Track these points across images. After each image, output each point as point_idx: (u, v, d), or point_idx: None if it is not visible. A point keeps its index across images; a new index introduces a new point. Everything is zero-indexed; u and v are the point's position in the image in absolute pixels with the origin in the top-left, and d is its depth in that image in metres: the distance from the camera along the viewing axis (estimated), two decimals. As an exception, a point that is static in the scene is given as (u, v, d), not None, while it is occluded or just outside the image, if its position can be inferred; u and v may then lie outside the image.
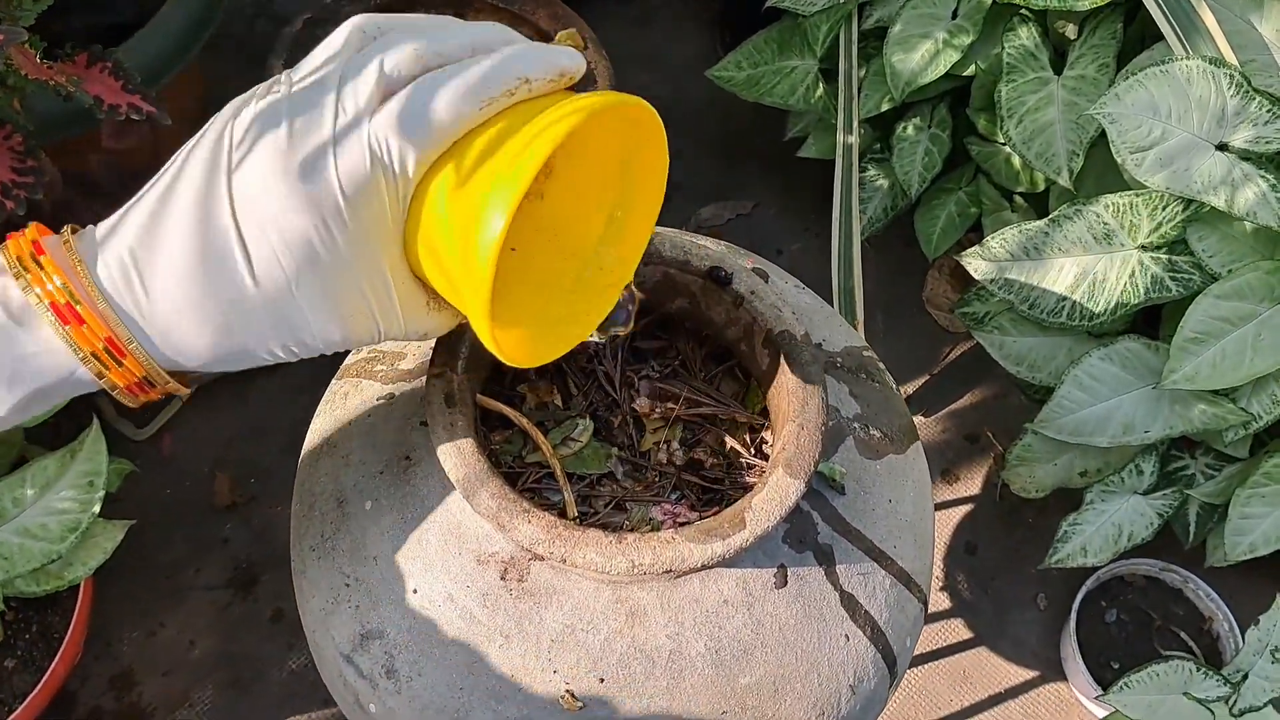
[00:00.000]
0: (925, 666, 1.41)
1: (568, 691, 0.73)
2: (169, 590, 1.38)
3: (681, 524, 0.77)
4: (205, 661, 1.34)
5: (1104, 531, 1.31)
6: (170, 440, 1.47)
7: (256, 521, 1.43)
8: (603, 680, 0.73)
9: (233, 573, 1.39)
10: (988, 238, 1.24)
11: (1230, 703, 1.20)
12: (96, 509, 1.13)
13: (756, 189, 1.78)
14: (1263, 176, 1.10)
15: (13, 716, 1.18)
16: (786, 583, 0.76)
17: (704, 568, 0.72)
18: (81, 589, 1.23)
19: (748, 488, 0.84)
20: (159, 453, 1.46)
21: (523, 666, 0.73)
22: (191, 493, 1.44)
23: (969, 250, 1.26)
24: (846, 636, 0.78)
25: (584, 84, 1.51)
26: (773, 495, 0.72)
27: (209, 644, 1.35)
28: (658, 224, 0.89)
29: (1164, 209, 1.16)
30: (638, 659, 0.73)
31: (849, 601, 0.78)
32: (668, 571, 0.70)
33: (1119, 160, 1.14)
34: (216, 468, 1.46)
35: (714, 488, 0.85)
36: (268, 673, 1.34)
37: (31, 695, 1.19)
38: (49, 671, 1.20)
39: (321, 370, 1.53)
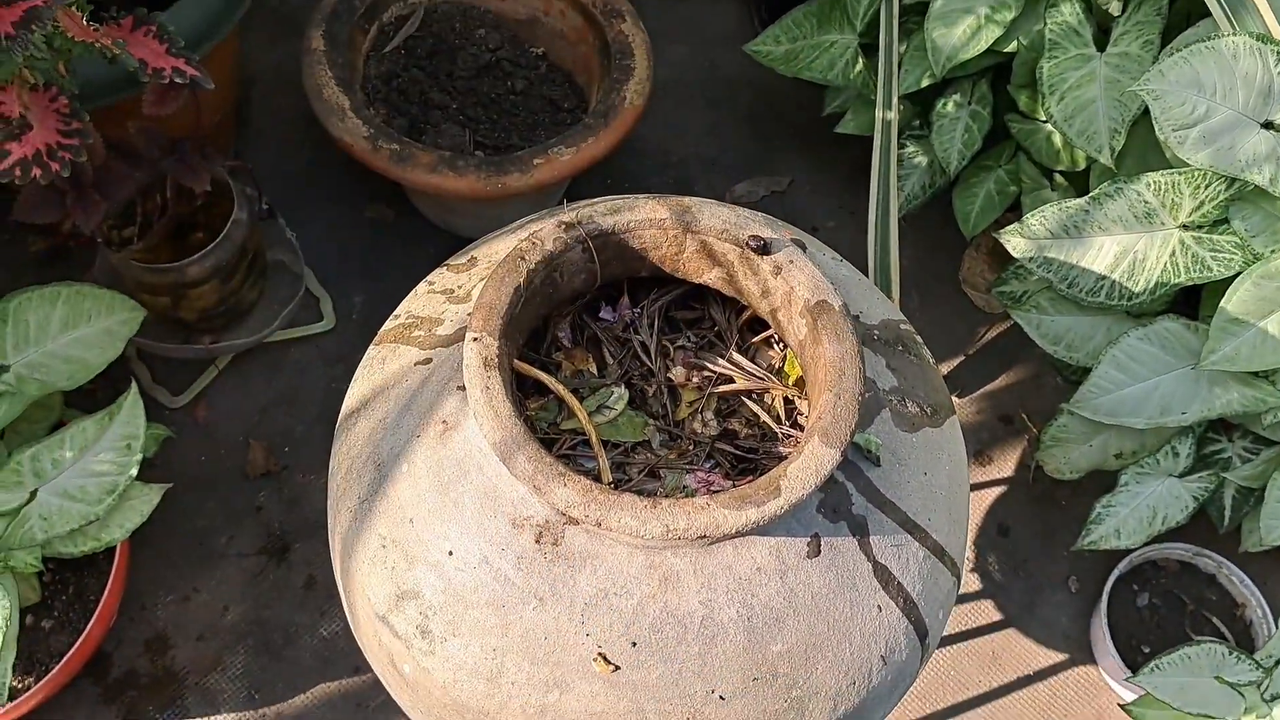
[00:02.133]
0: (955, 647, 1.40)
1: (600, 654, 0.73)
2: (203, 556, 1.39)
3: (715, 492, 0.77)
4: (238, 627, 1.35)
5: (1138, 514, 1.30)
6: (205, 409, 1.48)
7: (289, 490, 1.44)
8: (635, 644, 0.73)
9: (266, 540, 1.40)
10: (1027, 215, 1.23)
11: (1262, 688, 1.19)
12: (134, 472, 1.14)
13: (792, 165, 1.77)
14: (1309, 155, 1.09)
15: (49, 675, 1.19)
16: (820, 552, 0.76)
17: (738, 534, 0.72)
18: (118, 552, 1.24)
19: (782, 458, 0.84)
20: (194, 421, 1.47)
21: (556, 629, 0.74)
22: (226, 461, 1.45)
23: (1008, 228, 1.25)
24: (879, 607, 0.78)
25: (620, 55, 1.50)
26: (808, 464, 0.72)
27: (242, 610, 1.36)
28: (694, 194, 0.88)
29: (1207, 187, 1.15)
30: (670, 624, 0.74)
31: (882, 573, 0.78)
32: (702, 537, 0.70)
33: (1162, 138, 1.13)
34: (250, 436, 1.47)
35: (748, 457, 0.85)
36: (299, 639, 1.35)
37: (68, 655, 1.20)
38: (85, 633, 1.21)
39: (355, 341, 1.54)
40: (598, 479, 0.79)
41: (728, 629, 0.74)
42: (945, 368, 1.60)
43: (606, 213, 0.82)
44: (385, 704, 1.31)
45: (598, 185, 1.68)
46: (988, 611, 1.43)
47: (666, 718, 0.74)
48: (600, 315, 0.92)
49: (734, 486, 0.75)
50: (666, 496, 0.77)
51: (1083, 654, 1.41)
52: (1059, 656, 1.41)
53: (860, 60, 1.50)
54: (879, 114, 1.39)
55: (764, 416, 0.86)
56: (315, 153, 1.70)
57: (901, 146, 1.55)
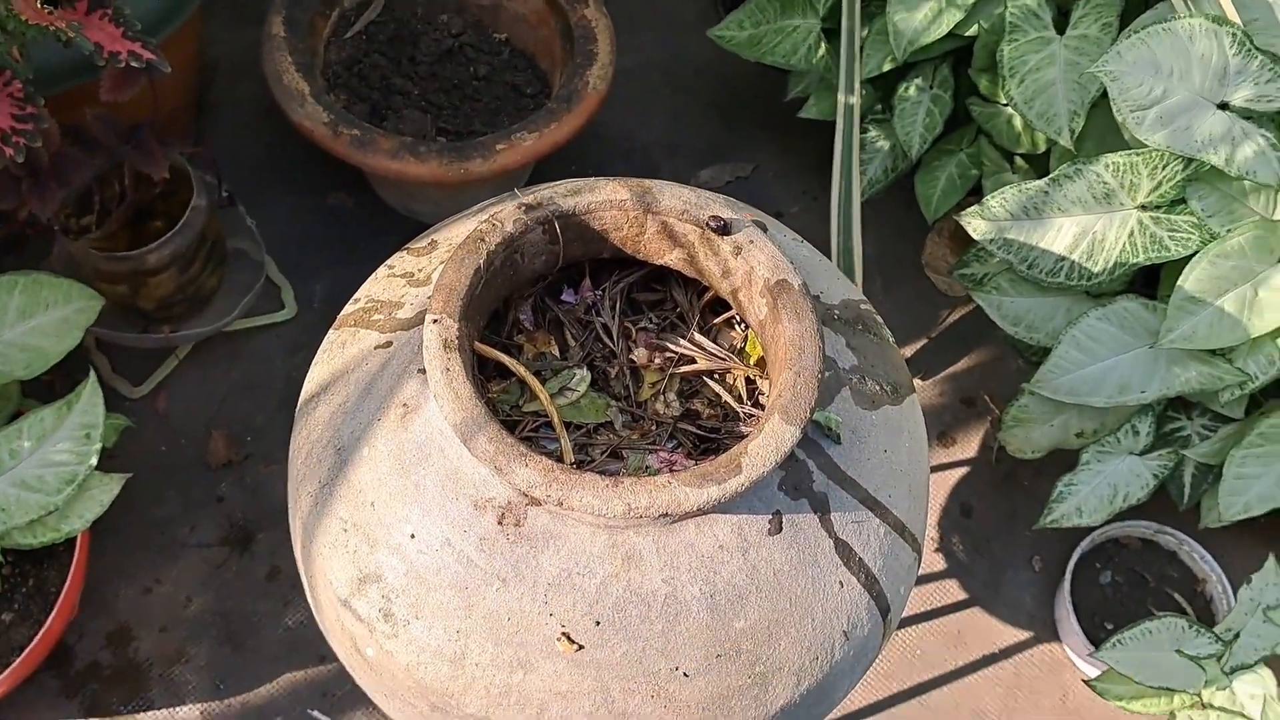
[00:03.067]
0: (919, 627, 1.41)
1: (564, 634, 0.73)
2: (164, 548, 1.38)
3: (677, 471, 0.77)
4: (201, 618, 1.34)
5: (1099, 492, 1.32)
6: (165, 399, 1.46)
7: (251, 479, 1.43)
8: (599, 623, 0.73)
9: (228, 530, 1.39)
10: (987, 197, 1.24)
11: (1222, 660, 1.20)
12: (93, 461, 1.13)
13: (756, 151, 1.77)
14: (1263, 134, 1.10)
15: (10, 669, 1.18)
16: (781, 529, 0.76)
17: (700, 512, 0.72)
18: (78, 544, 1.23)
19: (744, 438, 0.84)
20: (154, 411, 1.46)
21: (519, 610, 0.74)
22: (187, 451, 1.44)
23: (968, 210, 1.25)
24: (841, 583, 0.78)
25: (584, 40, 1.50)
26: (768, 441, 0.72)
27: (204, 601, 1.35)
28: (657, 177, 0.88)
29: (1164, 168, 1.16)
30: (633, 603, 0.74)
31: (843, 549, 0.78)
32: (664, 515, 0.70)
33: (1120, 119, 1.14)
34: (211, 426, 1.45)
35: (711, 437, 0.85)
36: (263, 629, 1.34)
37: (29, 648, 1.19)
38: (46, 625, 1.20)
39: (317, 329, 1.53)
40: (560, 460, 0.78)
41: (690, 606, 0.74)
42: (908, 351, 1.61)
43: (567, 194, 0.82)
44: (351, 692, 1.30)
45: (561, 171, 1.68)
46: (952, 591, 1.44)
47: (631, 696, 0.74)
48: (562, 298, 0.92)
49: (696, 465, 0.75)
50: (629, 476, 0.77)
51: (1047, 632, 1.43)
52: (1023, 635, 1.42)
53: (823, 45, 1.50)
54: (841, 99, 1.39)
55: (726, 397, 0.86)
56: (276, 140, 1.68)
57: (864, 131, 1.56)
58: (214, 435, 1.44)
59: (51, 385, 1.41)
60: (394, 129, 1.52)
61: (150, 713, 1.28)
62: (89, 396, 1.14)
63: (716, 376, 0.88)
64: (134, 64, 0.97)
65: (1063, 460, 1.39)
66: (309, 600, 0.87)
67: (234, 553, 1.38)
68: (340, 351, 0.87)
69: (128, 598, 1.34)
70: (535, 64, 1.64)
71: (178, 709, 1.29)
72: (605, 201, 0.82)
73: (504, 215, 0.80)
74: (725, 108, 1.82)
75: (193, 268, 1.37)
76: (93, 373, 1.18)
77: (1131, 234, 1.20)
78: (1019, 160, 1.49)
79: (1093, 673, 1.36)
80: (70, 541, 1.23)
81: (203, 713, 1.29)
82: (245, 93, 1.73)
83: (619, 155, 1.74)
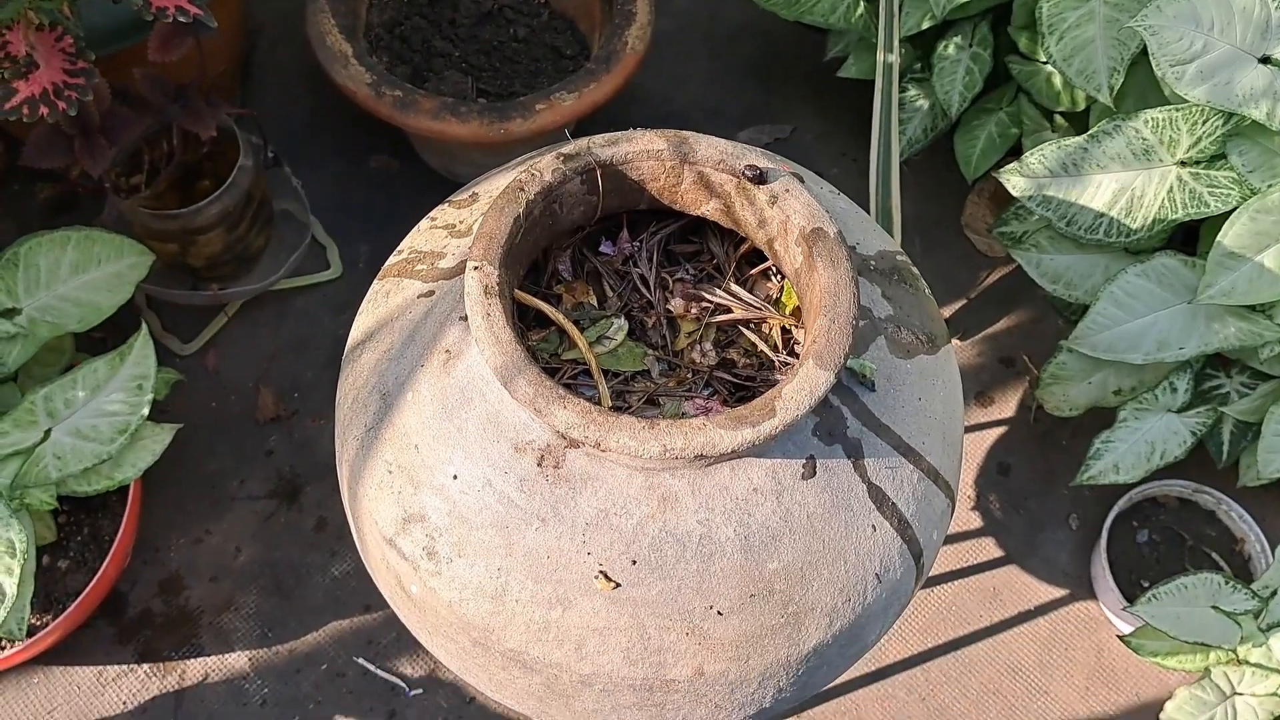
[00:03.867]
0: (956, 583, 1.42)
1: (601, 572, 0.75)
2: (215, 500, 1.41)
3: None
4: (250, 568, 1.38)
5: (1136, 449, 1.32)
6: (215, 356, 1.50)
7: (299, 434, 1.46)
8: (635, 562, 0.75)
9: (276, 484, 1.43)
10: (1026, 154, 1.24)
11: (1259, 618, 1.21)
12: (145, 411, 1.16)
13: (795, 113, 1.77)
14: (1305, 88, 1.09)
15: (66, 613, 1.22)
16: (815, 474, 0.78)
17: (734, 454, 0.74)
18: (130, 493, 1.27)
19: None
20: (204, 368, 1.49)
21: (558, 549, 0.76)
22: (236, 407, 1.48)
23: (1007, 167, 1.25)
24: (873, 527, 0.79)
25: (622, 2, 1.51)
26: (802, 385, 0.74)
27: (253, 551, 1.39)
28: (713, 132, 0.90)
29: (1204, 123, 1.16)
30: (669, 543, 0.75)
31: (876, 494, 0.80)
32: (699, 456, 0.72)
33: (1159, 74, 1.14)
34: (260, 382, 1.49)
35: (746, 385, 0.86)
36: (310, 579, 1.37)
37: (83, 594, 1.23)
38: (100, 572, 1.24)
39: (361, 289, 1.56)
40: (598, 405, 0.80)
41: (725, 547, 0.76)
42: (947, 311, 1.61)
43: (604, 144, 0.84)
44: (396, 640, 1.33)
45: (600, 133, 1.69)
46: (989, 549, 1.45)
47: (666, 632, 0.76)
48: (600, 249, 0.93)
49: (731, 410, 0.76)
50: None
51: (1083, 590, 1.43)
52: (1059, 592, 1.43)
53: (861, 3, 1.50)
54: (880, 57, 1.39)
55: (761, 345, 0.88)
56: (320, 104, 1.71)
57: (903, 90, 1.55)
58: (262, 391, 1.48)
59: (104, 341, 1.44)
60: (435, 90, 1.53)
61: (200, 659, 1.32)
62: (141, 348, 1.17)
63: (752, 326, 0.89)
64: (181, 18, 0.99)
65: (1101, 419, 1.39)
66: (355, 540, 0.90)
67: (282, 505, 1.41)
68: (385, 301, 0.89)
69: (179, 548, 1.38)
70: (575, 26, 1.65)
71: (227, 655, 1.33)
72: (642, 151, 0.84)
73: (543, 165, 0.82)
74: (763, 69, 1.82)
75: (240, 227, 1.40)
76: (144, 325, 1.21)
77: (1170, 190, 1.20)
78: (1059, 119, 1.49)
79: (1128, 630, 1.37)
80: (123, 491, 1.26)
81: (251, 660, 1.32)
82: (289, 57, 1.75)
83: (658, 118, 1.75)
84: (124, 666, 1.31)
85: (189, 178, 1.40)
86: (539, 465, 0.77)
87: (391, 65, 1.56)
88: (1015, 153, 1.55)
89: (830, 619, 0.79)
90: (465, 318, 0.82)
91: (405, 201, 1.64)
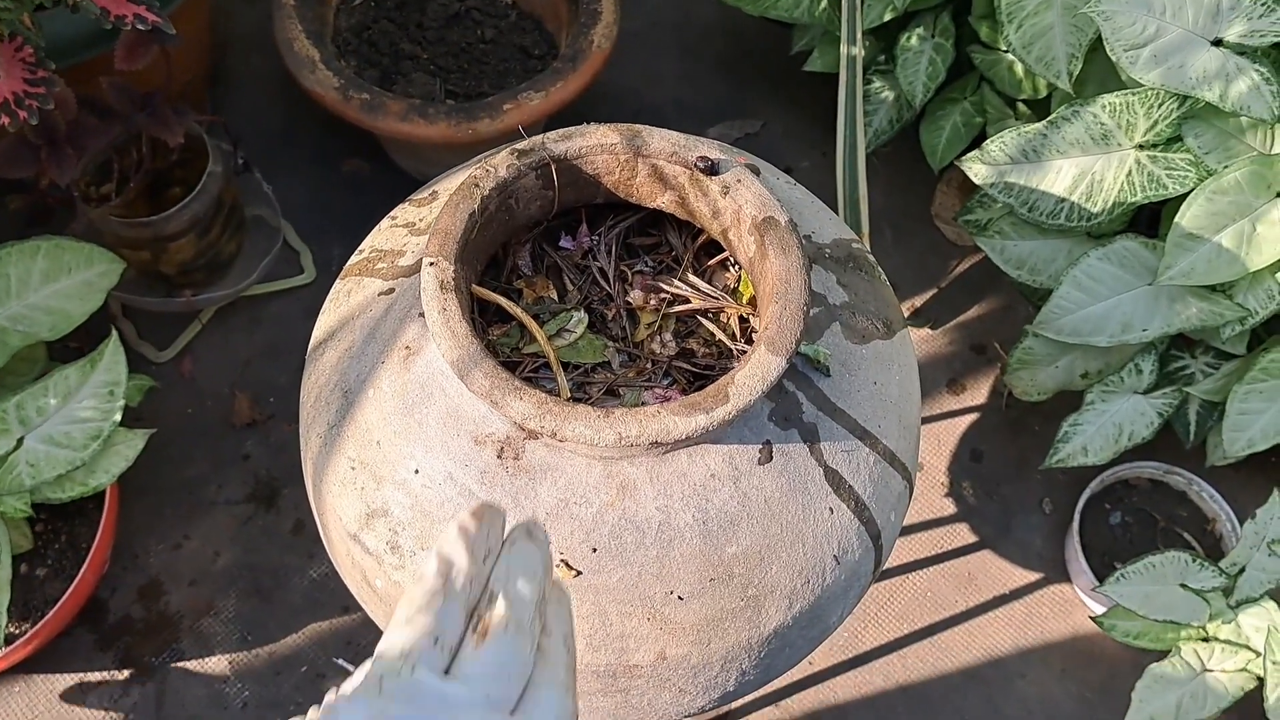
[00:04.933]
0: (931, 569, 1.43)
1: (562, 560, 0.76)
2: (192, 505, 1.42)
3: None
4: (229, 572, 1.38)
5: (1104, 431, 1.33)
6: (190, 362, 1.51)
7: (275, 438, 1.47)
8: (595, 550, 0.76)
9: (254, 487, 1.43)
10: (987, 142, 1.25)
11: (1229, 595, 1.22)
12: (117, 417, 1.17)
13: (764, 108, 1.79)
14: (1256, 70, 1.11)
15: (44, 620, 1.23)
16: (772, 458, 0.79)
17: (690, 441, 0.75)
18: (107, 499, 1.27)
19: (738, 374, 0.87)
20: (180, 375, 1.50)
21: (518, 538, 0.76)
22: (212, 412, 1.48)
23: (969, 155, 1.27)
24: (831, 510, 0.80)
25: (588, 1, 1.52)
26: (755, 371, 0.75)
27: (232, 555, 1.39)
28: (683, 127, 0.91)
29: (1160, 106, 1.17)
30: (629, 530, 0.76)
31: (833, 477, 0.81)
32: (655, 444, 0.73)
33: (1114, 58, 1.15)
34: (235, 388, 1.49)
35: (705, 374, 0.87)
36: (289, 581, 1.38)
37: (61, 601, 1.24)
38: (77, 579, 1.25)
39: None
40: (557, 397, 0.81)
41: (684, 533, 0.77)
42: (918, 300, 1.63)
43: (558, 139, 0.84)
44: (376, 639, 1.34)
45: (571, 132, 1.70)
46: (963, 534, 1.46)
47: (628, 619, 0.77)
48: (560, 244, 0.94)
49: (685, 397, 0.77)
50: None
51: (1057, 573, 1.45)
52: (1034, 576, 1.44)
53: (824, -3, 1.51)
54: (844, 50, 1.41)
55: (720, 335, 0.89)
56: (291, 110, 1.72)
57: (867, 83, 1.57)
58: (238, 396, 1.48)
59: (79, 350, 1.45)
60: (403, 93, 1.54)
61: (181, 663, 1.33)
62: (111, 355, 1.18)
63: (710, 316, 0.90)
64: (140, 26, 1.00)
65: (1071, 403, 1.40)
66: (322, 537, 0.91)
67: (260, 508, 1.42)
68: (346, 299, 0.90)
69: (158, 554, 1.39)
70: (542, 26, 1.66)
71: (207, 659, 1.33)
72: (596, 145, 0.85)
73: (497, 161, 0.83)
74: (732, 65, 1.83)
75: (211, 232, 1.40)
76: (115, 332, 1.21)
77: (1129, 173, 1.21)
78: (1022, 106, 1.50)
79: (1102, 611, 1.38)
80: (99, 497, 1.27)
81: (231, 663, 1.33)
82: (259, 65, 1.76)
83: (628, 115, 1.76)
84: (105, 673, 1.32)
85: (159, 185, 1.40)
86: (499, 457, 0.78)
87: (360, 69, 1.57)
88: (980, 141, 1.56)
89: (790, 601, 0.80)
90: (424, 314, 0.83)
91: (378, 205, 1.64)
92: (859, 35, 1.40)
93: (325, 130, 1.67)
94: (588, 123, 0.89)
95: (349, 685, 0.45)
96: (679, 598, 0.77)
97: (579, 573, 0.76)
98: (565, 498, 0.77)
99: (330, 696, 0.45)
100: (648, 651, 0.78)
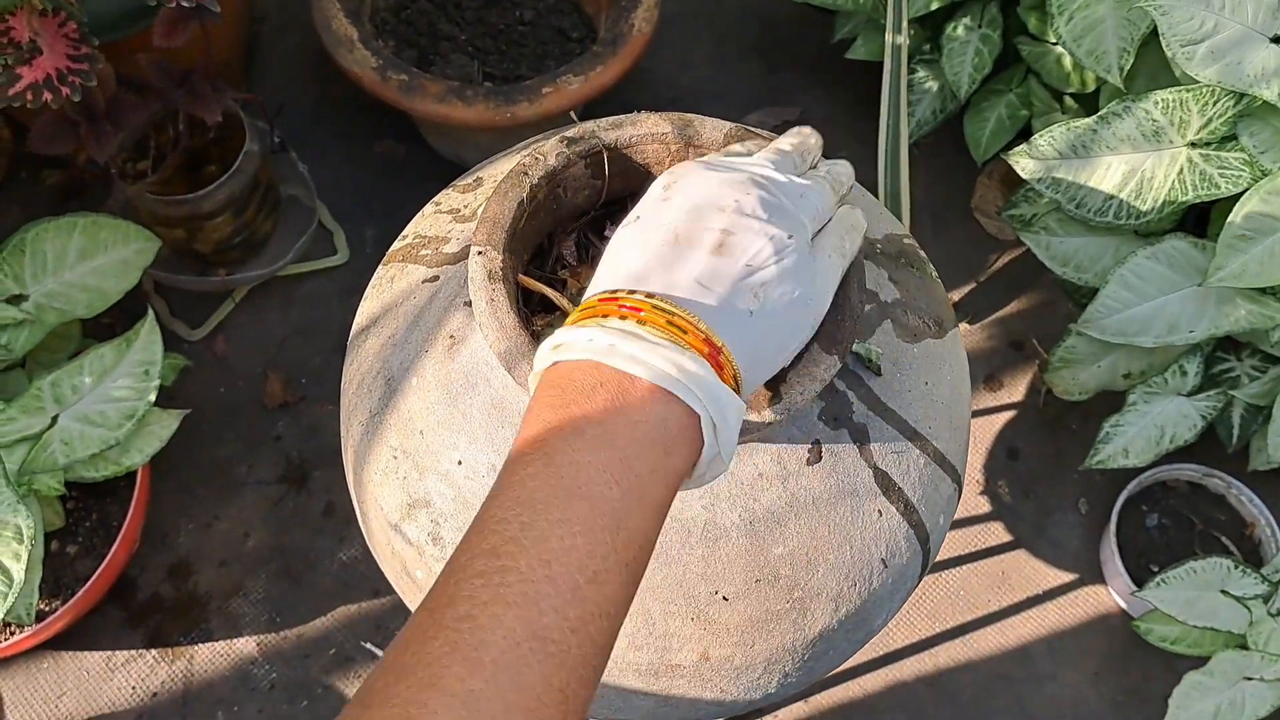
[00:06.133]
0: (964, 568, 1.42)
1: (606, 558, 0.75)
2: (223, 485, 1.42)
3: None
4: (259, 553, 1.38)
5: (1146, 433, 1.31)
6: (223, 341, 1.50)
7: (307, 420, 1.46)
8: (640, 548, 0.75)
9: (285, 469, 1.43)
10: (1035, 136, 1.23)
11: (1269, 602, 1.20)
12: (152, 397, 1.16)
13: (801, 95, 1.77)
14: (1318, 69, 1.08)
15: (75, 598, 1.22)
16: (821, 459, 0.77)
17: (740, 439, 0.73)
18: (139, 479, 1.27)
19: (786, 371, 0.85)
20: (212, 354, 1.49)
21: (562, 534, 0.75)
22: (244, 392, 1.48)
23: (1016, 149, 1.24)
24: (879, 512, 0.79)
25: (629, -16, 1.49)
26: (808, 370, 0.73)
27: (262, 536, 1.39)
28: (720, 114, 0.89)
29: (1214, 104, 1.15)
30: (674, 528, 0.75)
31: (882, 478, 0.79)
32: (704, 442, 0.72)
33: (1169, 54, 1.13)
34: (268, 368, 1.49)
35: (752, 370, 0.86)
36: (319, 564, 1.37)
37: (91, 580, 1.24)
38: (108, 558, 1.24)
39: (368, 272, 1.55)
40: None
41: (730, 533, 0.75)
42: (957, 295, 1.61)
43: (608, 127, 0.83)
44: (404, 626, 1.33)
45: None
46: (997, 533, 1.45)
47: (671, 617, 0.76)
48: (605, 234, 0.93)
49: (736, 394, 0.76)
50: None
51: (1092, 574, 1.43)
52: (1068, 577, 1.43)
53: (870, -16, 1.49)
54: (889, 38, 1.38)
55: (767, 329, 0.87)
56: (325, 90, 1.71)
57: (911, 72, 1.55)
58: (271, 377, 1.48)
59: (112, 327, 1.44)
60: (441, 74, 1.53)
61: (209, 644, 1.33)
62: (147, 334, 1.17)
63: (758, 310, 0.88)
64: (184, 3, 0.98)
65: (1110, 403, 1.38)
66: (361, 526, 0.90)
67: (291, 490, 1.42)
68: (389, 286, 0.89)
69: (189, 534, 1.39)
70: (580, 8, 1.64)
71: (235, 640, 1.33)
72: (646, 134, 0.83)
73: (546, 149, 0.81)
74: (769, 51, 1.81)
75: (247, 212, 1.40)
76: (150, 311, 1.21)
77: (1181, 172, 1.19)
78: (1069, 100, 1.48)
79: (1137, 614, 1.36)
80: (131, 476, 1.27)
81: (259, 644, 1.33)
82: (295, 42, 1.75)
83: (664, 102, 1.74)
84: (133, 651, 1.32)
85: (195, 163, 1.40)
86: (543, 450, 0.76)
87: (397, 49, 1.55)
88: (1025, 135, 1.54)
89: (836, 604, 0.78)
90: (468, 303, 0.82)
91: (411, 186, 1.64)
92: (905, 24, 1.38)
93: (358, 110, 1.66)
94: (626, 109, 0.87)
95: (764, 147, 0.69)
96: (724, 598, 0.76)
97: (623, 570, 0.75)
98: (610, 494, 0.75)
99: (739, 146, 0.73)
100: (690, 651, 0.77)
